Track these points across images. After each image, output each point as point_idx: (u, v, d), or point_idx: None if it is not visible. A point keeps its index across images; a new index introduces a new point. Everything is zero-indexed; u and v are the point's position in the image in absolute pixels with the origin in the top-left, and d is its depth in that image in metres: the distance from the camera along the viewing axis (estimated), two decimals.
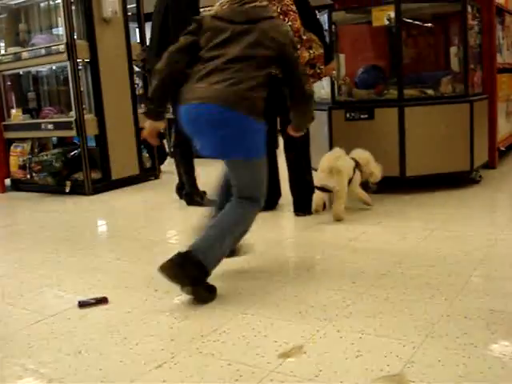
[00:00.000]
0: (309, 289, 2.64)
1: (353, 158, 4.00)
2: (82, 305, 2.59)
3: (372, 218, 3.84)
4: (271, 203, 4.26)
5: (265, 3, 2.76)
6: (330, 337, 2.12)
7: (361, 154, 4.10)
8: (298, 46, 3.74)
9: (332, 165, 3.72)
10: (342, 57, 4.94)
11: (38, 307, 2.65)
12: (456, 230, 3.46)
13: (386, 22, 4.40)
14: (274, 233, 3.83)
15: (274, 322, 2.28)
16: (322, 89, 5.36)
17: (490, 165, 5.29)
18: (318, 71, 3.91)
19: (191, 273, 2.46)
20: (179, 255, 2.48)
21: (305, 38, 3.84)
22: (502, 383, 1.74)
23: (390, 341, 2.05)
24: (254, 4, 2.69)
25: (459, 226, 3.53)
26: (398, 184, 4.56)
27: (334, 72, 4.49)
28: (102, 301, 2.61)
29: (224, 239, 2.59)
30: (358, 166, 4.00)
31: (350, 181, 3.90)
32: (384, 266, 2.86)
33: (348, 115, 4.51)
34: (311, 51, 3.85)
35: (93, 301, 2.61)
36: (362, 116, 4.46)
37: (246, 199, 2.67)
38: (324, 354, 1.98)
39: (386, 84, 4.86)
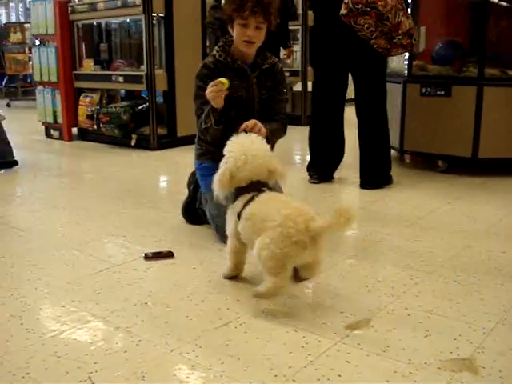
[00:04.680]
0: (376, 263, 2.61)
1: None
2: (148, 257, 2.62)
3: (440, 198, 3.74)
4: (326, 174, 4.18)
5: None
6: (398, 314, 2.08)
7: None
8: (401, 13, 3.62)
9: None
10: (422, 30, 4.78)
11: (105, 256, 2.70)
12: None
13: None
14: (339, 204, 3.79)
15: (340, 292, 2.26)
16: (391, 61, 5.23)
17: None
18: (414, 42, 3.78)
19: None
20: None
21: (404, 6, 3.71)
22: None
23: (459, 324, 2.00)
24: None
25: None
26: (468, 165, 4.43)
27: None
28: (168, 255, 2.64)
29: None
30: None
31: None
32: (453, 248, 2.79)
33: (424, 90, 4.38)
34: (409, 21, 3.71)
35: (159, 254, 2.64)
36: (439, 92, 4.32)
37: None
38: (392, 330, 1.95)
39: (464, 61, 4.70)
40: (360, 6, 3.54)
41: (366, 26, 3.61)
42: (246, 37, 2.74)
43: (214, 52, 2.89)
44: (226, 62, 2.84)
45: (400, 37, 3.65)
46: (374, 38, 3.66)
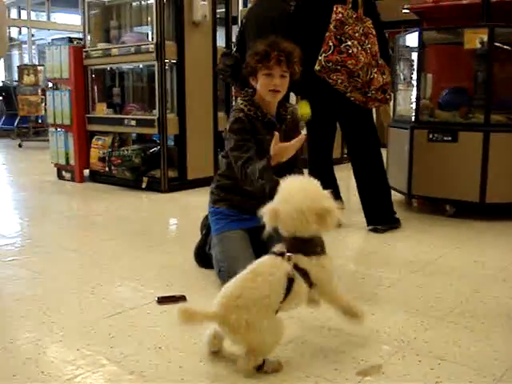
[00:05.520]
0: (386, 308, 2.63)
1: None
2: (161, 301, 2.66)
3: (449, 242, 3.78)
4: None
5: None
6: (409, 360, 2.10)
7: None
8: (375, 70, 3.79)
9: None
10: (429, 77, 4.89)
11: (118, 299, 2.74)
12: None
13: (479, 46, 4.33)
14: (349, 249, 3.84)
15: (351, 338, 2.28)
16: (398, 105, 5.34)
17: None
18: (388, 97, 3.98)
19: None
20: None
21: (380, 62, 3.87)
22: None
23: (469, 370, 2.02)
24: None
25: None
26: (476, 210, 4.48)
27: None
28: (181, 299, 2.67)
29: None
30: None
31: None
32: (462, 294, 2.82)
33: (431, 136, 4.46)
34: (384, 76, 3.88)
35: (172, 298, 2.67)
36: (446, 138, 4.40)
37: None
38: (403, 377, 1.97)
39: (470, 107, 4.78)
40: (331, 63, 3.72)
41: (339, 81, 3.78)
42: (273, 86, 2.81)
43: (241, 106, 2.91)
44: (257, 116, 2.90)
45: (373, 92, 3.84)
46: (349, 91, 3.84)
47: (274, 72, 2.80)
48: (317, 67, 3.76)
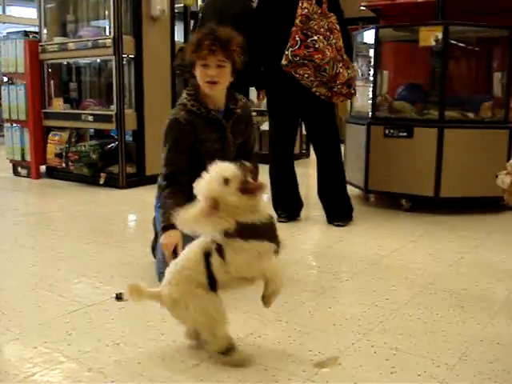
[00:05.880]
0: (343, 301, 2.68)
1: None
2: (119, 298, 2.65)
3: (404, 236, 3.86)
4: (292, 213, 4.30)
5: None
6: (365, 351, 2.15)
7: None
8: (340, 65, 3.84)
9: None
10: (385, 74, 4.96)
11: (76, 296, 2.72)
12: (488, 255, 3.47)
13: (433, 43, 4.41)
14: (306, 243, 3.88)
15: (309, 331, 2.32)
16: (355, 101, 5.41)
17: None
18: (352, 91, 4.04)
19: None
20: None
21: (345, 57, 3.92)
22: None
23: (423, 360, 2.08)
24: None
25: (492, 252, 3.54)
26: (430, 204, 4.58)
27: None
28: None
29: None
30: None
31: None
32: (417, 286, 2.88)
33: (387, 132, 4.54)
34: (349, 71, 3.93)
35: None
36: (401, 134, 4.48)
37: None
38: (359, 368, 2.01)
39: (425, 103, 4.88)
40: (298, 58, 3.77)
41: (305, 75, 3.82)
42: (208, 77, 2.66)
43: (185, 101, 2.78)
44: (200, 113, 2.75)
45: (339, 86, 3.90)
46: (314, 86, 3.88)
47: (209, 62, 2.64)
48: (284, 62, 3.78)
